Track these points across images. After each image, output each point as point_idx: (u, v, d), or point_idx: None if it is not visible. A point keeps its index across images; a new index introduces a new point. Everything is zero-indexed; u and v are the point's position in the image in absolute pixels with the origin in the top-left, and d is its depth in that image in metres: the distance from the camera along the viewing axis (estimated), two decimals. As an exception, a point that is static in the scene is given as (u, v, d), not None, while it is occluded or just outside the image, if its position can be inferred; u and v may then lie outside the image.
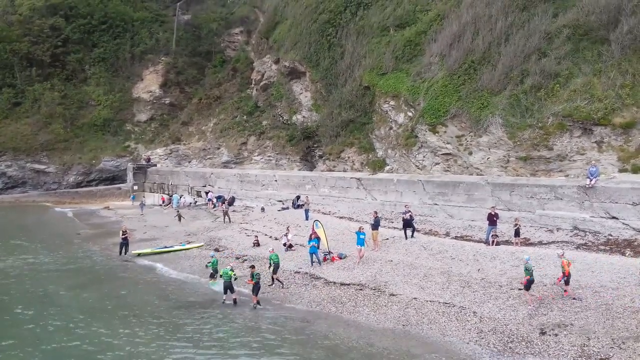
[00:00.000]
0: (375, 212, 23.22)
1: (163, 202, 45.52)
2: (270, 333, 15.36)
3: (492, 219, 21.31)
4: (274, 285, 19.68)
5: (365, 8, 39.75)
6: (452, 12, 32.08)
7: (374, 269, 19.56)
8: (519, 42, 26.80)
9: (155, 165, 52.04)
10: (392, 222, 26.20)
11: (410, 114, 31.44)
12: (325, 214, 30.28)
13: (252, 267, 18.34)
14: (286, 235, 24.59)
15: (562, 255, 15.50)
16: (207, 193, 42.12)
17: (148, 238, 30.69)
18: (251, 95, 52.64)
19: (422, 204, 26.92)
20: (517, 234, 20.38)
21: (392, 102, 33.12)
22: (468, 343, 13.67)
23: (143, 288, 21.07)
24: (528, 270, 15.07)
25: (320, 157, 40.42)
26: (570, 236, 20.46)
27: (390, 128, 33.28)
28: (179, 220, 34.96)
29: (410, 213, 22.90)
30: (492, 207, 22.26)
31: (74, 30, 61.58)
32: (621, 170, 22.06)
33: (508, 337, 13.50)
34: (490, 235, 20.92)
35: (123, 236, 26.85)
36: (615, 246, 18.72)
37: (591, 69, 24.12)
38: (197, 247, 27.11)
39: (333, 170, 37.00)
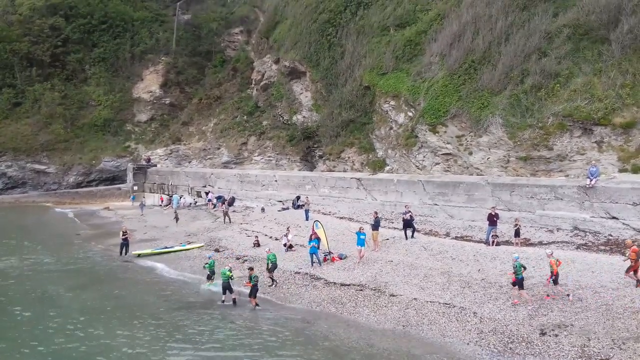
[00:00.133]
0: (376, 213, 23.21)
1: (162, 202, 45.52)
2: (271, 334, 15.34)
3: (493, 219, 21.30)
4: (274, 285, 19.68)
5: (365, 8, 39.72)
6: (453, 12, 32.05)
7: (374, 270, 19.55)
8: (519, 41, 26.77)
9: (156, 165, 52.04)
10: (392, 223, 26.18)
11: (410, 114, 31.42)
12: (325, 214, 30.26)
13: (251, 269, 18.31)
14: (286, 235, 24.57)
15: (551, 254, 15.57)
16: (207, 193, 42.10)
17: (148, 238, 30.69)
18: (251, 95, 52.62)
19: (422, 204, 26.91)
20: (517, 234, 20.37)
21: (392, 102, 33.10)
22: (468, 344, 13.65)
23: (143, 289, 21.06)
24: (516, 268, 15.17)
25: (321, 157, 40.40)
26: (571, 236, 20.44)
27: (391, 128, 33.26)
28: (176, 220, 34.96)
29: (410, 213, 22.88)
30: (493, 207, 22.24)
31: (74, 30, 61.57)
32: (621, 170, 22.04)
33: (508, 338, 13.48)
34: (491, 235, 20.91)
35: (123, 237, 26.85)
36: (616, 246, 18.70)
37: (591, 69, 24.09)
38: (198, 247, 27.10)
39: (333, 171, 36.99)
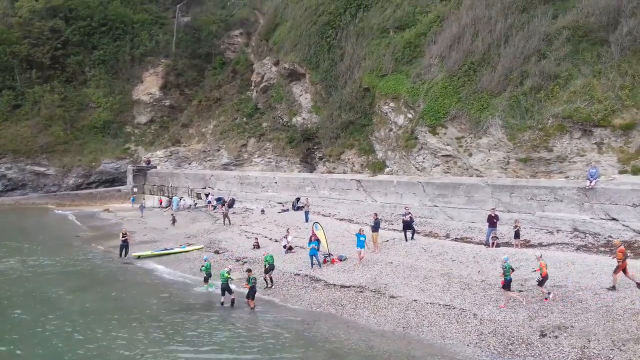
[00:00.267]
0: (375, 214, 23.21)
1: (161, 203, 45.51)
2: (270, 335, 15.33)
3: (492, 221, 21.28)
4: (273, 286, 19.68)
5: (364, 10, 39.77)
6: (452, 14, 32.09)
7: (374, 271, 19.54)
8: (518, 43, 26.79)
9: (155, 167, 52.09)
10: (392, 224, 26.18)
11: (410, 115, 31.44)
12: (325, 215, 30.27)
13: (249, 270, 18.31)
14: (286, 237, 24.56)
15: (540, 257, 15.58)
16: (207, 195, 42.13)
17: (148, 240, 30.68)
18: (251, 97, 52.68)
19: (422, 205, 26.91)
20: (517, 235, 20.35)
21: (392, 104, 33.11)
22: (468, 345, 13.63)
23: (143, 290, 21.04)
24: (505, 269, 15.21)
25: (320, 158, 40.41)
26: (570, 238, 20.43)
27: (390, 130, 33.27)
28: (173, 223, 34.91)
29: (410, 215, 22.89)
30: (492, 208, 22.23)
31: (73, 32, 61.70)
32: (621, 172, 22.03)
33: (508, 340, 13.47)
34: (490, 237, 20.90)
35: (123, 238, 26.86)
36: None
37: (591, 71, 24.11)
38: (197, 249, 27.09)
39: (333, 172, 37.00)
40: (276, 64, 47.71)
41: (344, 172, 36.04)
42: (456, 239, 22.81)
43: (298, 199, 33.61)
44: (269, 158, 45.08)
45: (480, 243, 21.55)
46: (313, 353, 13.93)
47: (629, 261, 16.82)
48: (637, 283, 14.82)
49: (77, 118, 59.49)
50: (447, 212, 25.85)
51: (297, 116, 44.19)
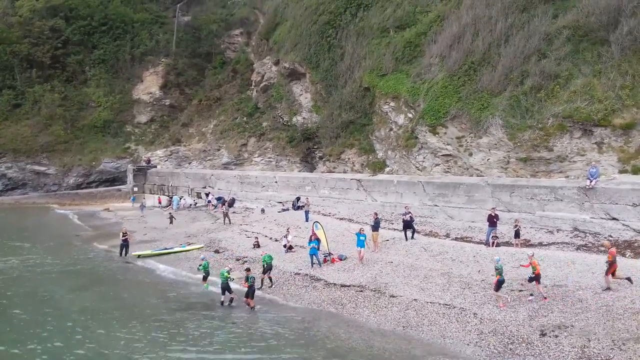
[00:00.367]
0: (376, 214, 23.21)
1: (160, 203, 45.52)
2: (271, 334, 15.35)
3: (492, 220, 21.30)
4: (273, 286, 19.70)
5: (365, 9, 39.78)
6: (452, 14, 32.10)
7: (374, 271, 19.55)
8: (518, 43, 26.80)
9: (156, 166, 52.07)
10: (392, 224, 26.18)
11: (410, 115, 31.44)
12: (325, 215, 30.26)
13: (248, 270, 18.30)
14: (286, 236, 24.58)
15: (532, 255, 15.68)
16: (207, 194, 42.12)
17: (148, 240, 30.69)
18: (251, 97, 52.68)
19: (422, 205, 26.91)
20: (517, 235, 20.37)
21: (392, 104, 33.12)
22: (468, 345, 13.65)
23: (143, 290, 21.05)
24: (498, 271, 15.26)
25: (321, 158, 40.42)
26: (571, 237, 20.43)
27: (391, 129, 33.28)
28: (170, 222, 34.85)
29: (410, 214, 22.90)
30: (492, 208, 22.25)
31: (74, 31, 61.69)
32: (621, 171, 22.05)
33: (508, 339, 13.48)
34: (491, 236, 20.91)
35: (123, 237, 26.88)
36: (616, 247, 18.64)
37: (591, 70, 24.11)
38: (197, 248, 27.09)
39: (333, 172, 37.01)
40: (276, 63, 47.72)
41: (344, 172, 36.04)
42: (456, 239, 22.82)
43: (298, 199, 33.62)
44: (269, 157, 45.09)
45: (480, 242, 21.56)
46: (313, 352, 13.94)
47: (631, 261, 16.89)
48: (627, 278, 14.91)
49: (78, 117, 59.50)
50: (447, 211, 25.85)
51: (298, 116, 44.20)
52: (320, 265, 21.12)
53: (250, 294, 17.64)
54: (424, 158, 30.20)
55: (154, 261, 25.67)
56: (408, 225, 22.75)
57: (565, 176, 23.74)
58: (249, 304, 17.67)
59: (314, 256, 21.19)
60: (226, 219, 33.12)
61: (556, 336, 13.09)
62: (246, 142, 48.19)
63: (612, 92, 22.85)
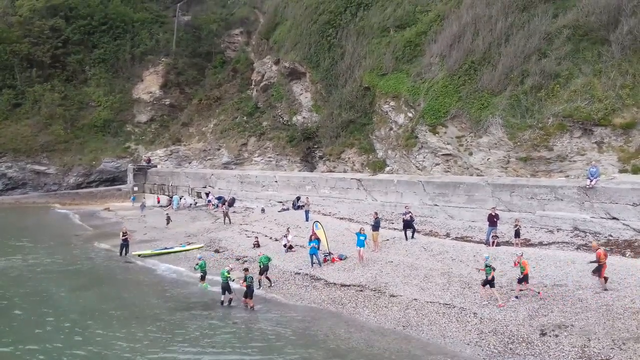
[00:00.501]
0: (376, 213, 23.21)
1: (158, 202, 45.51)
2: (271, 334, 15.35)
3: (493, 220, 21.29)
4: (272, 285, 19.70)
5: (365, 9, 39.76)
6: (452, 13, 32.08)
7: (375, 270, 19.55)
8: (519, 42, 26.78)
9: (156, 166, 52.06)
10: (393, 223, 26.18)
11: (410, 114, 31.43)
12: (325, 215, 30.26)
13: (246, 269, 18.26)
14: (286, 236, 24.59)
15: (521, 256, 15.83)
16: (207, 194, 42.12)
17: (148, 239, 30.69)
18: (251, 96, 52.66)
19: (422, 204, 26.91)
20: (517, 234, 20.36)
21: (392, 103, 33.11)
22: (468, 344, 13.65)
23: (143, 289, 21.07)
24: (489, 269, 15.47)
25: (321, 158, 40.41)
26: (571, 237, 20.43)
27: (391, 129, 33.27)
28: (167, 222, 34.80)
29: (410, 214, 22.89)
30: (493, 207, 22.24)
31: (74, 31, 61.65)
32: (621, 171, 22.05)
33: (508, 338, 13.48)
34: (491, 236, 20.90)
35: (123, 237, 26.89)
36: (616, 247, 18.69)
37: (591, 70, 24.10)
38: (197, 248, 27.08)
39: (333, 171, 37.00)
40: (276, 62, 47.70)
41: (344, 171, 36.04)
42: (456, 238, 22.81)
43: (298, 198, 33.61)
44: (269, 157, 45.09)
45: (480, 242, 21.55)
46: (314, 352, 13.95)
47: (631, 261, 16.92)
48: (604, 279, 15.11)
49: (78, 117, 59.47)
50: (448, 211, 25.85)
51: (298, 115, 44.19)
52: (320, 265, 21.13)
53: (248, 294, 17.64)
54: (424, 157, 30.20)
55: (154, 261, 25.67)
56: (408, 224, 22.74)
57: (565, 176, 23.74)
58: (247, 304, 17.66)
59: (314, 256, 21.20)
60: (226, 218, 33.13)
61: (556, 336, 13.10)
62: (246, 142, 48.18)
63: (613, 91, 22.84)
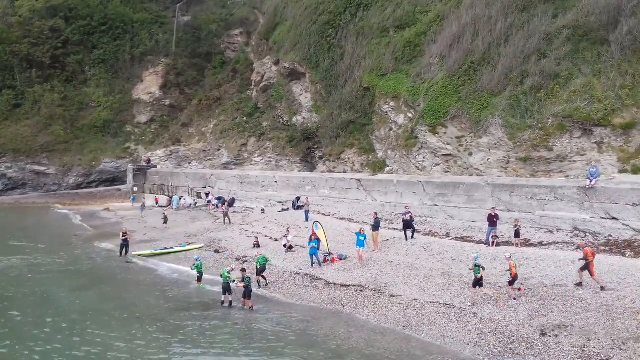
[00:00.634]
0: (376, 213, 23.22)
1: (157, 202, 45.49)
2: (271, 334, 15.35)
3: (492, 220, 21.30)
4: (267, 285, 19.71)
5: (365, 9, 39.79)
6: (452, 13, 32.10)
7: (374, 270, 19.55)
8: (518, 43, 26.81)
9: (156, 166, 52.07)
10: (392, 223, 26.19)
11: (410, 115, 31.45)
12: (325, 215, 30.26)
13: (243, 270, 18.26)
14: (286, 236, 24.58)
15: (510, 257, 15.88)
16: (207, 194, 42.13)
17: (148, 239, 30.68)
18: (251, 97, 52.68)
19: (422, 205, 26.92)
20: (517, 234, 20.37)
21: (392, 103, 33.13)
22: (468, 344, 13.65)
23: (143, 289, 21.05)
24: (477, 268, 15.52)
25: (321, 158, 40.43)
26: (571, 237, 20.44)
27: (390, 129, 33.29)
28: (164, 222, 34.76)
29: (410, 214, 22.90)
30: (492, 208, 22.25)
31: (74, 31, 61.68)
32: (621, 171, 22.07)
33: (508, 339, 13.48)
34: (491, 236, 20.91)
35: (123, 237, 26.89)
36: (616, 247, 18.71)
37: (591, 70, 24.12)
38: (197, 248, 27.08)
39: (333, 172, 37.01)
40: (276, 63, 47.72)
41: (344, 172, 36.05)
42: (456, 238, 22.82)
43: (298, 198, 33.61)
44: (269, 157, 45.10)
45: (480, 242, 21.57)
46: (314, 352, 13.94)
47: (631, 261, 16.92)
48: (580, 282, 15.36)
49: (77, 117, 59.48)
50: (447, 211, 25.86)
51: (297, 115, 44.20)
52: (320, 265, 21.13)
53: (247, 294, 17.63)
54: (424, 158, 30.21)
55: (154, 261, 25.67)
56: (408, 225, 22.75)
57: (565, 176, 23.75)
58: (245, 305, 17.66)
59: (314, 256, 21.19)
60: (226, 218, 33.12)
61: (556, 336, 13.10)
62: (246, 142, 48.19)
63: (612, 91, 22.86)
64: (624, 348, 12.06)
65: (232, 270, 18.61)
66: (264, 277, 19.90)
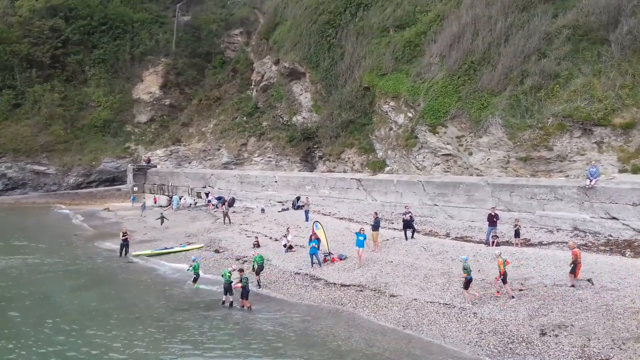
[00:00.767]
0: (376, 213, 23.21)
1: (155, 202, 45.47)
2: (271, 334, 15.35)
3: (492, 220, 21.30)
4: (259, 287, 19.73)
5: (365, 9, 39.77)
6: (452, 13, 32.09)
7: (374, 270, 19.55)
8: (518, 42, 26.80)
9: (156, 166, 52.07)
10: (392, 223, 26.19)
11: (410, 114, 31.44)
12: (325, 214, 30.26)
13: (241, 270, 18.23)
14: (286, 236, 24.59)
15: (499, 255, 15.93)
16: (207, 194, 42.12)
17: (148, 239, 30.69)
18: (251, 96, 52.67)
19: (422, 204, 26.92)
20: (517, 234, 20.37)
21: (392, 103, 33.12)
22: (468, 344, 13.66)
23: (143, 289, 21.06)
24: (466, 269, 15.58)
25: (321, 158, 40.42)
26: (571, 237, 20.40)
27: (390, 129, 33.28)
28: (161, 222, 34.72)
29: (410, 214, 22.90)
30: (492, 207, 22.25)
31: (74, 31, 61.72)
32: (621, 171, 22.06)
33: (508, 338, 13.49)
34: (491, 236, 20.91)
35: (123, 237, 26.90)
36: (616, 247, 18.71)
37: (591, 70, 24.12)
38: (197, 248, 27.09)
39: (333, 171, 37.01)
40: (276, 63, 47.71)
41: (344, 171, 36.04)
42: (456, 238, 22.82)
43: (298, 198, 33.62)
44: (269, 157, 45.09)
45: (480, 242, 21.56)
46: (314, 352, 13.95)
47: (631, 260, 16.92)
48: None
49: (77, 117, 59.52)
50: (447, 211, 25.86)
51: (297, 115, 44.19)
52: (320, 265, 21.13)
53: (244, 294, 17.62)
54: (423, 157, 30.21)
55: (154, 261, 25.68)
56: (408, 224, 22.75)
57: (565, 176, 23.75)
58: (243, 305, 17.66)
59: (314, 256, 21.20)
60: (226, 218, 33.12)
61: (556, 335, 13.10)
62: (246, 142, 48.18)
63: (612, 91, 22.85)
64: (624, 348, 12.06)
65: (234, 270, 18.62)
66: (258, 281, 19.90)
